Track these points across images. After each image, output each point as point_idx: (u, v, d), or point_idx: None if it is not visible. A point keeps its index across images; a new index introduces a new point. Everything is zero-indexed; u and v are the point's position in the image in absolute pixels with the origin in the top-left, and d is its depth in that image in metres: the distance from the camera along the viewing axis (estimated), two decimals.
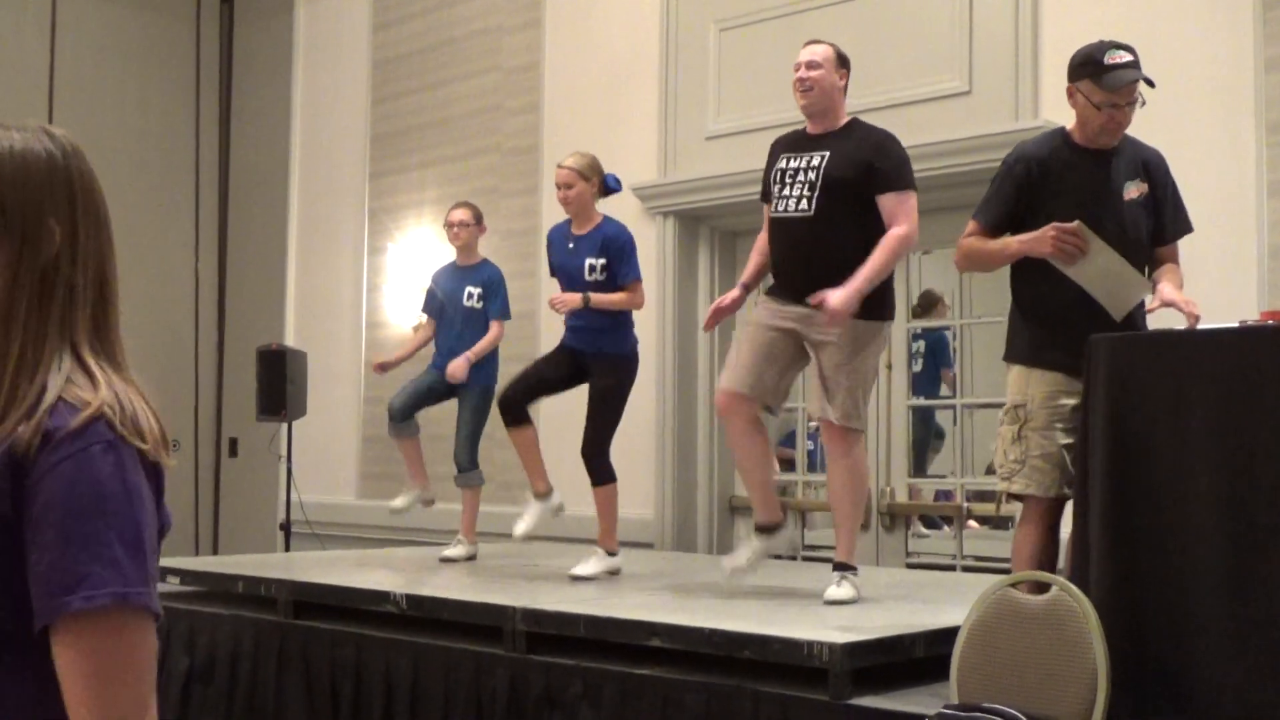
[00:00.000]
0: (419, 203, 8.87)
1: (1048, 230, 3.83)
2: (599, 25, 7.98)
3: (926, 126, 6.21)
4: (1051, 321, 3.99)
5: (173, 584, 5.89)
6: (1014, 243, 3.97)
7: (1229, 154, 5.63)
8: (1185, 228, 4.19)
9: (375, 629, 4.97)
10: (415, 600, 4.94)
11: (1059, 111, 5.90)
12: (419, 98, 8.94)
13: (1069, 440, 3.87)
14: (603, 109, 7.84)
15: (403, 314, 8.83)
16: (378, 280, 9.10)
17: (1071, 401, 3.86)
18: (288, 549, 8.39)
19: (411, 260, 8.80)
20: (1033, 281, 4.03)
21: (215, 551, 9.93)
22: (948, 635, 3.70)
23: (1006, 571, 4.05)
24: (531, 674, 4.39)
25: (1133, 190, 4.06)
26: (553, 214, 7.90)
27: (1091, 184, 4.01)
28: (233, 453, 10.24)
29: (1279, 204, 5.47)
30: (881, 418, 6.82)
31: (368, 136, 9.28)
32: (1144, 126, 5.83)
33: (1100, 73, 3.95)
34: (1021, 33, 6.12)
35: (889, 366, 6.86)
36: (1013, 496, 4.06)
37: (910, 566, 6.77)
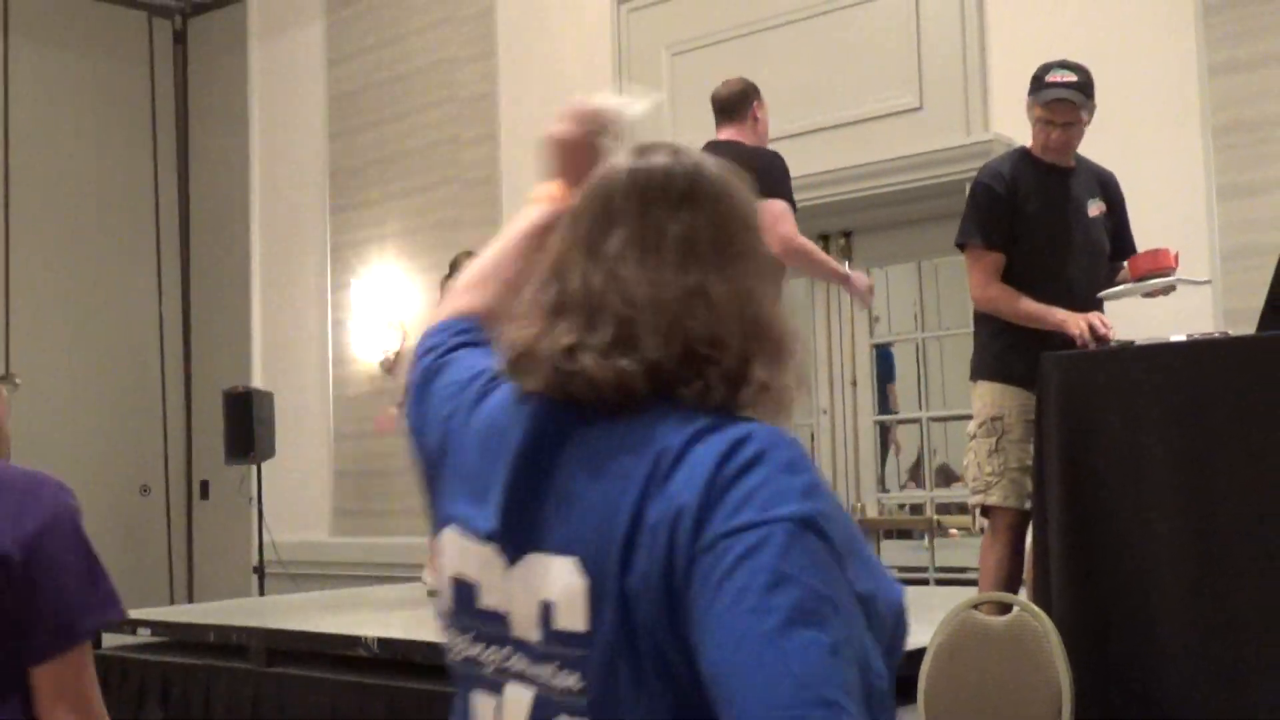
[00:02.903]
0: (380, 237, 8.87)
1: (1091, 319, 3.85)
2: (551, 53, 8.00)
3: (879, 143, 6.26)
4: (1019, 338, 4.03)
5: (144, 635, 5.86)
6: (1056, 315, 3.96)
7: (1178, 159, 5.68)
8: (1132, 249, 4.30)
9: (348, 674, 4.96)
10: (387, 643, 4.93)
11: (1008, 125, 5.96)
12: (376, 132, 8.95)
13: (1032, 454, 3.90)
14: None
15: (369, 349, 8.83)
16: (342, 316, 9.09)
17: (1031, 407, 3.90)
18: (262, 591, 8.36)
19: (376, 295, 8.80)
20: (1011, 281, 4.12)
21: (190, 596, 9.89)
22: (914, 657, 3.71)
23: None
24: None
25: (1094, 208, 4.17)
26: None
27: (1058, 200, 4.12)
28: (204, 496, 10.20)
29: (1230, 208, 5.53)
30: (849, 434, 6.84)
31: (326, 172, 9.28)
32: (1094, 134, 5.89)
33: (1038, 89, 4.04)
34: (969, 48, 6.17)
35: (854, 383, 6.89)
36: (986, 510, 4.08)
37: (910, 581, 6.77)
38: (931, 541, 6.67)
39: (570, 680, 1.14)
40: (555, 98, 8.54)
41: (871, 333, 6.83)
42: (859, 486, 6.91)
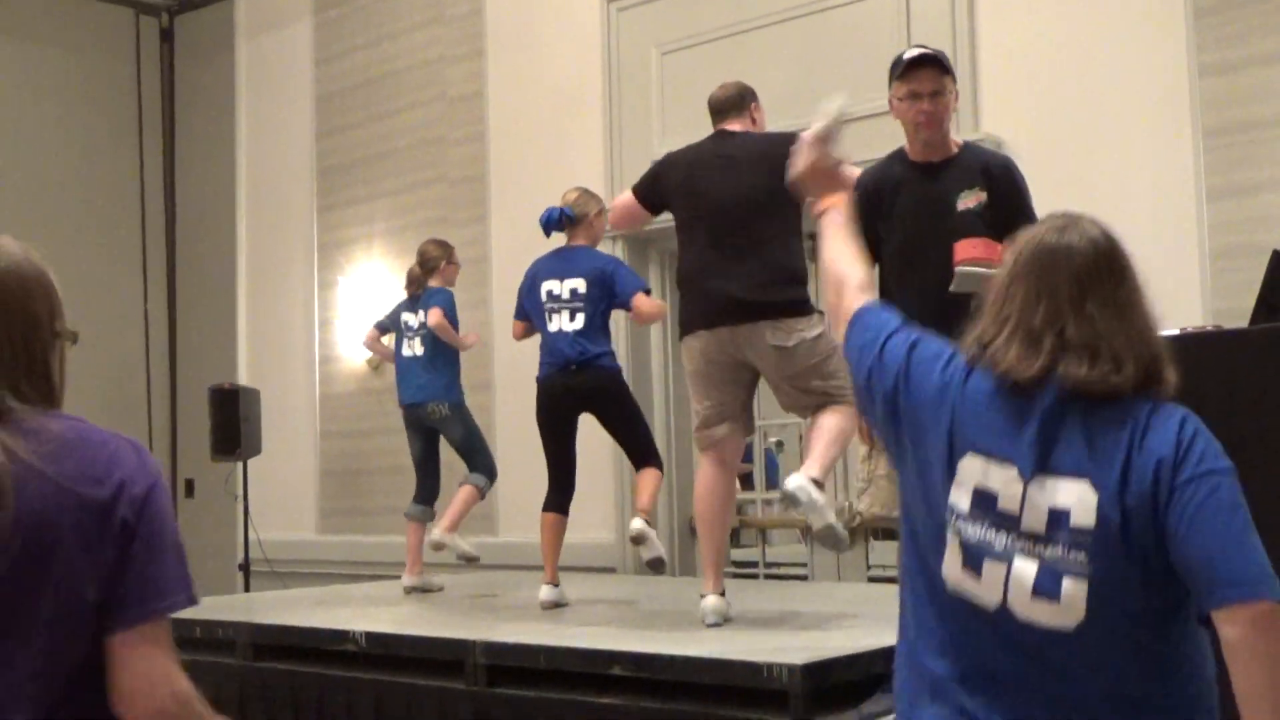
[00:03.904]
0: (368, 235, 8.86)
1: None
2: (541, 53, 8.00)
3: (868, 143, 6.22)
4: None
5: None
6: None
7: (1168, 160, 5.70)
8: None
9: (336, 668, 4.94)
10: (375, 638, 4.91)
11: (998, 123, 5.98)
12: (364, 130, 8.93)
13: None
14: (548, 136, 7.86)
15: (355, 348, 8.80)
16: (329, 315, 9.07)
17: None
18: (248, 589, 8.33)
19: (362, 293, 8.78)
20: (881, 283, 3.94)
21: None
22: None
23: None
24: (494, 708, 4.37)
25: (968, 200, 3.89)
26: (501, 242, 7.92)
27: (921, 200, 3.90)
28: (189, 494, 10.15)
29: (1219, 208, 5.54)
30: None
31: (314, 171, 9.25)
32: (1085, 133, 5.92)
33: (896, 69, 3.90)
34: (959, 48, 6.18)
35: None
36: (863, 521, 3.99)
37: (871, 580, 6.79)
38: None
39: (1077, 556, 1.86)
40: (544, 97, 8.66)
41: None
42: (848, 485, 6.90)
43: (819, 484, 4.35)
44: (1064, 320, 1.94)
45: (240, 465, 8.47)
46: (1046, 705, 1.89)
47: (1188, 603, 1.86)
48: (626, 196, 5.01)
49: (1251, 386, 3.12)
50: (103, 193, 10.09)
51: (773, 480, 8.52)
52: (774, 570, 7.50)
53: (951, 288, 3.64)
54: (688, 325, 4.69)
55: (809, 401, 4.60)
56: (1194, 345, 3.30)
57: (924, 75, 3.83)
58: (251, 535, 8.44)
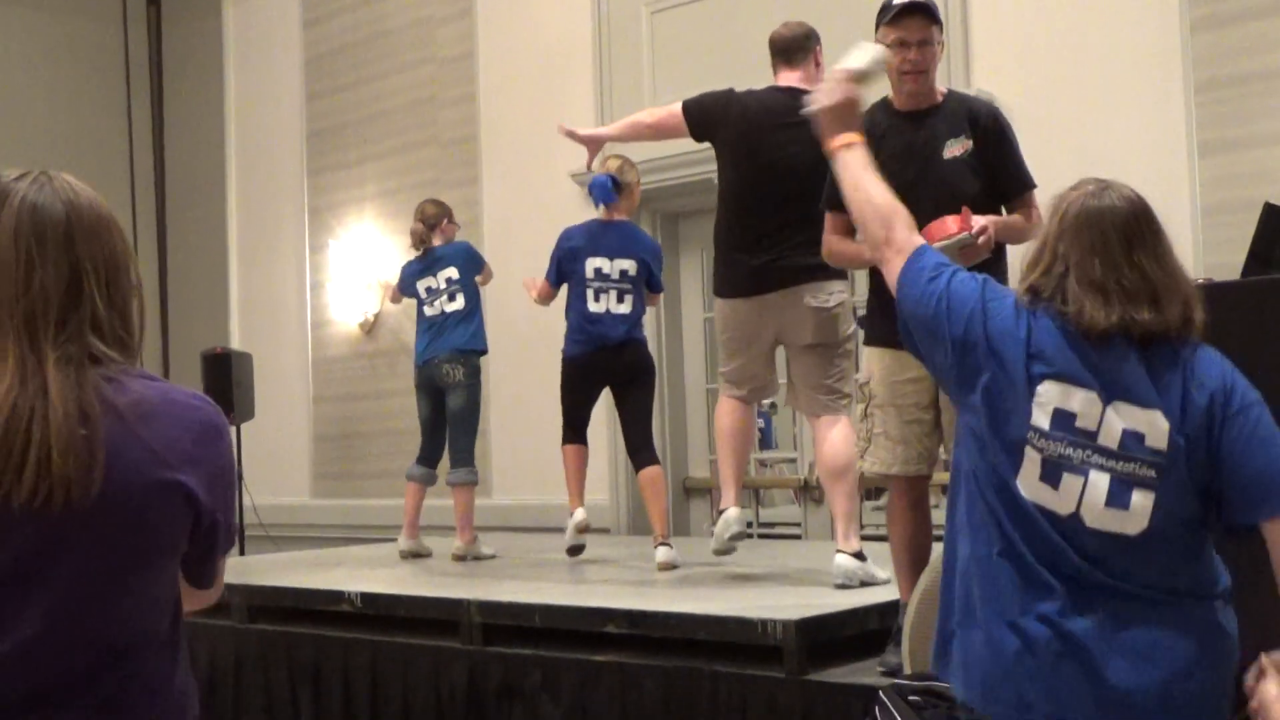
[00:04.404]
0: (359, 198, 8.83)
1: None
2: (531, 13, 7.96)
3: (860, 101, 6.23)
4: (880, 300, 3.83)
5: None
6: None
7: (1159, 115, 5.69)
8: (1024, 184, 3.87)
9: (332, 629, 4.97)
10: (370, 598, 4.93)
11: (989, 78, 5.96)
12: (354, 92, 8.89)
13: (918, 416, 3.80)
14: (539, 96, 7.83)
15: (348, 311, 8.79)
16: (321, 278, 9.05)
17: (909, 375, 3.75)
18: (242, 553, 8.34)
19: (355, 257, 8.76)
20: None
21: None
22: (901, 607, 3.74)
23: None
24: (490, 666, 4.40)
25: (955, 148, 3.82)
26: (493, 203, 7.90)
27: (907, 147, 3.80)
28: None
29: (1210, 164, 5.54)
30: None
31: (304, 134, 9.22)
32: (1076, 88, 5.91)
33: (885, 15, 3.87)
34: (951, 4, 6.15)
35: None
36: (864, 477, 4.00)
37: (865, 539, 6.80)
38: None
39: (1149, 472, 2.18)
40: (534, 57, 8.60)
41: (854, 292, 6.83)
42: None
43: (858, 554, 4.48)
44: (1119, 271, 2.21)
45: (233, 430, 8.46)
46: (1103, 597, 2.19)
47: (1212, 511, 2.24)
48: (673, 109, 4.91)
49: (1242, 338, 3.13)
50: (91, 158, 10.03)
51: (767, 441, 8.55)
52: (768, 530, 7.54)
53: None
54: (727, 289, 4.72)
55: (814, 382, 4.62)
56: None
57: (912, 23, 3.80)
58: (245, 499, 8.43)
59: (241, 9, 9.79)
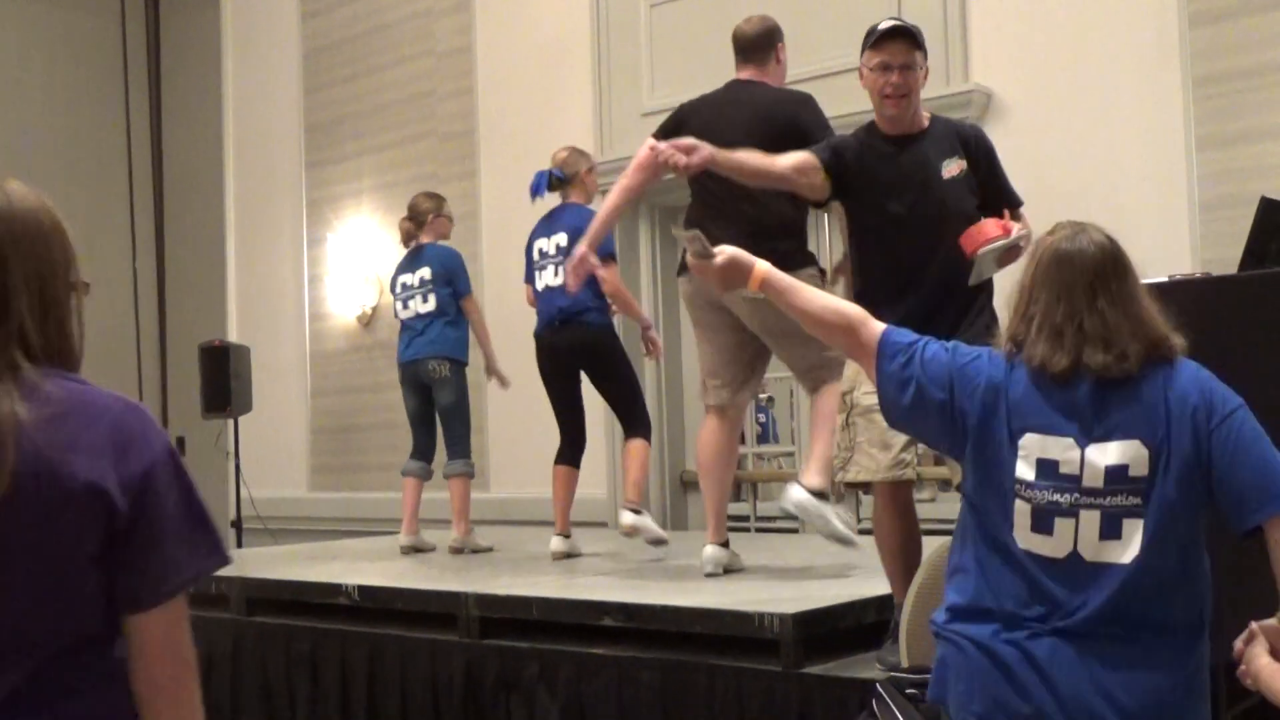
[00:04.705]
0: (357, 191, 8.84)
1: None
2: (530, 6, 7.96)
3: (858, 95, 6.22)
4: (870, 297, 3.69)
5: None
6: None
7: (1158, 110, 5.70)
8: (1015, 201, 3.93)
9: (329, 622, 4.97)
10: (368, 591, 4.94)
11: (988, 76, 5.97)
12: (352, 86, 8.89)
13: None
14: (537, 90, 7.83)
15: (346, 305, 8.80)
16: (319, 271, 9.06)
17: None
18: (240, 546, 8.36)
19: (352, 250, 8.77)
20: (859, 261, 3.96)
21: None
22: (896, 605, 3.75)
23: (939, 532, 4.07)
24: (487, 659, 4.41)
25: (952, 168, 3.84)
26: (490, 197, 7.90)
27: (906, 170, 3.82)
28: (180, 451, 10.14)
29: (1209, 157, 5.55)
30: None
31: (302, 127, 9.22)
32: (1073, 85, 5.91)
33: (869, 39, 3.88)
34: (950, 2, 6.16)
35: None
36: (849, 486, 3.97)
37: (861, 533, 6.81)
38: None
39: (1133, 500, 2.27)
40: (533, 51, 8.57)
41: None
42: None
43: (819, 493, 4.42)
44: (1080, 315, 2.32)
45: (231, 423, 8.48)
46: (1087, 635, 2.29)
47: (1203, 517, 2.34)
48: (647, 145, 4.92)
49: (1239, 332, 3.14)
50: (89, 149, 10.05)
51: (765, 435, 8.56)
52: (765, 524, 7.54)
53: (971, 280, 3.68)
54: (680, 268, 4.73)
55: (804, 366, 4.61)
56: (1181, 292, 3.31)
57: (896, 47, 3.80)
58: (243, 492, 8.46)
59: (240, 2, 9.78)
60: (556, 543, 5.63)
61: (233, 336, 9.22)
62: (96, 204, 10.00)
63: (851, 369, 3.87)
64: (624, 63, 7.40)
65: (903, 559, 3.78)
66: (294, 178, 9.26)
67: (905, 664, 3.49)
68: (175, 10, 10.40)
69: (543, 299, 5.70)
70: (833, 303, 2.69)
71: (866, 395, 3.76)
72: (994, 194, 3.91)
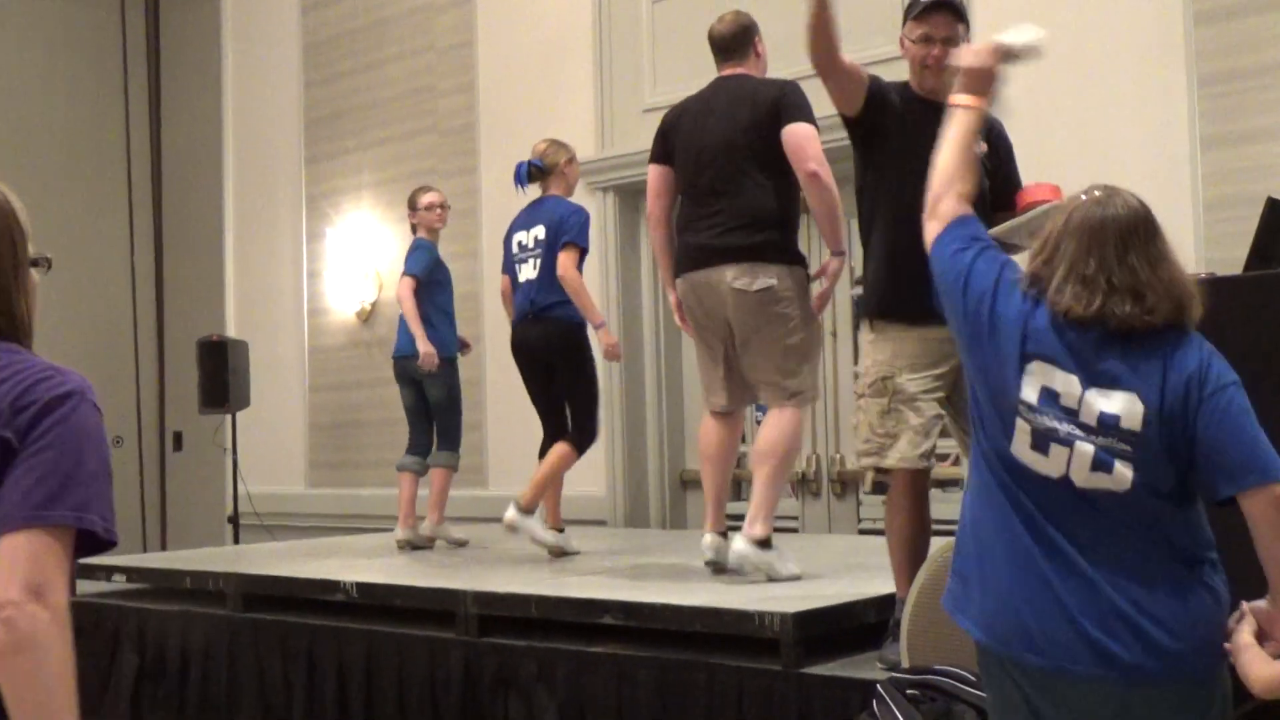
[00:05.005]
0: (356, 186, 8.82)
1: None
2: (531, 1, 7.94)
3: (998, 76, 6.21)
4: (903, 266, 3.75)
5: (119, 581, 5.85)
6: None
7: (1162, 108, 5.68)
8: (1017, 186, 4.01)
9: (326, 619, 4.96)
10: (366, 588, 4.93)
11: None
12: (352, 80, 8.87)
13: (938, 410, 3.79)
14: (538, 85, 7.82)
15: (344, 300, 8.78)
16: (318, 267, 9.04)
17: (937, 370, 3.76)
18: (237, 542, 8.36)
19: (351, 245, 8.75)
20: (884, 232, 3.89)
21: (164, 547, 9.86)
22: (898, 602, 3.74)
23: (948, 533, 4.04)
24: (485, 657, 4.40)
25: (979, 146, 3.94)
26: (491, 193, 7.89)
27: (932, 137, 3.86)
28: (177, 447, 10.16)
29: (1214, 157, 5.53)
30: (828, 386, 6.86)
31: (301, 121, 9.20)
32: (1076, 81, 5.89)
33: (913, 10, 3.88)
34: None
35: (833, 334, 6.89)
36: (881, 472, 3.93)
37: (862, 533, 6.82)
38: None
39: (1126, 447, 2.37)
40: (534, 45, 8.55)
41: (852, 282, 6.82)
42: (839, 437, 6.93)
43: (763, 542, 4.45)
44: (1111, 270, 2.42)
45: (229, 418, 8.47)
46: (1095, 554, 2.38)
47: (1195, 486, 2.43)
48: (651, 172, 4.87)
49: (1243, 332, 3.13)
50: (87, 141, 10.03)
51: None
52: None
53: (1009, 235, 3.70)
54: (677, 269, 4.74)
55: (761, 379, 4.59)
56: None
57: (939, 19, 3.83)
58: (240, 488, 8.45)
59: None
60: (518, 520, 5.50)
61: (231, 332, 9.21)
62: (94, 197, 9.99)
63: (889, 352, 3.83)
64: (626, 58, 7.39)
65: (911, 549, 3.77)
66: (293, 172, 9.25)
67: (906, 664, 3.49)
68: (175, 3, 10.38)
69: (519, 293, 5.73)
70: (963, 165, 2.75)
71: (911, 382, 3.78)
72: (1004, 183, 3.94)
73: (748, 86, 4.64)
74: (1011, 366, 2.48)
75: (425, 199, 6.52)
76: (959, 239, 2.64)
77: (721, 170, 4.56)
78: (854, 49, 6.36)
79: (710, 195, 4.57)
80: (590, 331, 5.69)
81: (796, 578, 4.48)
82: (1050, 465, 2.42)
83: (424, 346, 6.15)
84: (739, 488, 7.18)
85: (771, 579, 4.42)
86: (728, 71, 4.76)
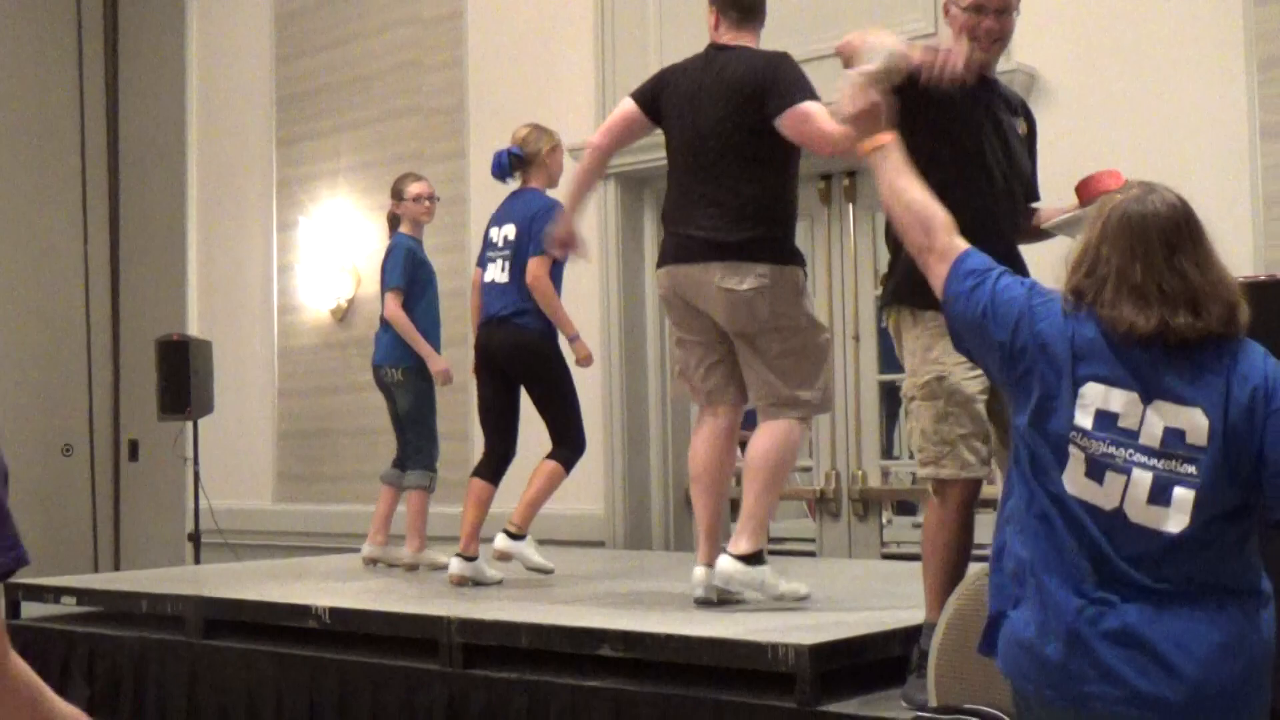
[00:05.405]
0: (333, 171, 8.84)
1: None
2: None
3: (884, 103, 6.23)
4: None
5: (68, 604, 5.86)
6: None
7: (1218, 96, 5.69)
8: (1036, 194, 4.11)
9: (296, 647, 4.97)
10: (339, 614, 4.94)
11: (1030, 53, 5.96)
12: (329, 54, 8.89)
13: (983, 409, 3.79)
14: (533, 62, 7.83)
15: (319, 296, 8.80)
16: (289, 259, 9.06)
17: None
18: (197, 561, 8.36)
19: (327, 236, 8.77)
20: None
21: (117, 567, 9.88)
22: (926, 630, 3.74)
23: (985, 559, 4.04)
24: (471, 690, 4.41)
25: (1021, 126, 3.99)
26: (480, 180, 7.88)
27: (986, 112, 3.89)
28: (133, 456, 10.17)
29: (1274, 148, 5.55)
30: (850, 394, 6.87)
31: (273, 99, 9.22)
32: (1128, 67, 5.91)
33: None
34: None
35: (856, 338, 6.91)
36: (939, 483, 3.92)
37: (886, 557, 6.83)
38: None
39: (1188, 468, 2.43)
40: (529, 17, 8.54)
41: (876, 282, 6.83)
42: (860, 453, 6.94)
43: (749, 558, 4.45)
44: (1161, 276, 2.46)
45: (190, 425, 8.49)
46: (1139, 592, 2.43)
47: (1256, 504, 2.48)
48: (623, 105, 4.93)
49: None
50: (37, 118, 10.04)
51: None
52: (778, 546, 7.54)
53: (1059, 231, 3.85)
54: (659, 260, 4.80)
55: (758, 382, 4.61)
56: (1250, 295, 3.31)
57: None
58: (202, 503, 8.45)
59: None
60: (456, 564, 5.59)
61: (193, 330, 9.23)
62: (44, 180, 10.00)
63: (939, 348, 3.82)
64: (630, 32, 7.40)
65: (953, 572, 3.75)
66: (264, 155, 9.26)
67: (934, 703, 3.49)
68: None
69: (485, 294, 5.76)
70: (927, 197, 2.83)
71: (968, 382, 3.75)
72: (1033, 171, 4.05)
73: (743, 64, 4.62)
74: (1064, 391, 2.51)
75: (414, 189, 6.54)
76: (970, 274, 2.69)
77: (713, 158, 4.58)
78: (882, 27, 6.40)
79: (700, 184, 4.60)
80: (563, 339, 5.74)
81: (802, 595, 4.48)
82: (1104, 495, 2.46)
83: (436, 364, 6.23)
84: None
85: (771, 598, 4.42)
86: (731, 39, 4.74)
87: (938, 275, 2.74)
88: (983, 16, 3.84)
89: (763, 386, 4.60)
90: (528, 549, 5.51)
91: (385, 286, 6.38)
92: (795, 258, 4.62)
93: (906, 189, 2.84)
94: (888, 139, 2.90)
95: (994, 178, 3.84)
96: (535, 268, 5.53)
